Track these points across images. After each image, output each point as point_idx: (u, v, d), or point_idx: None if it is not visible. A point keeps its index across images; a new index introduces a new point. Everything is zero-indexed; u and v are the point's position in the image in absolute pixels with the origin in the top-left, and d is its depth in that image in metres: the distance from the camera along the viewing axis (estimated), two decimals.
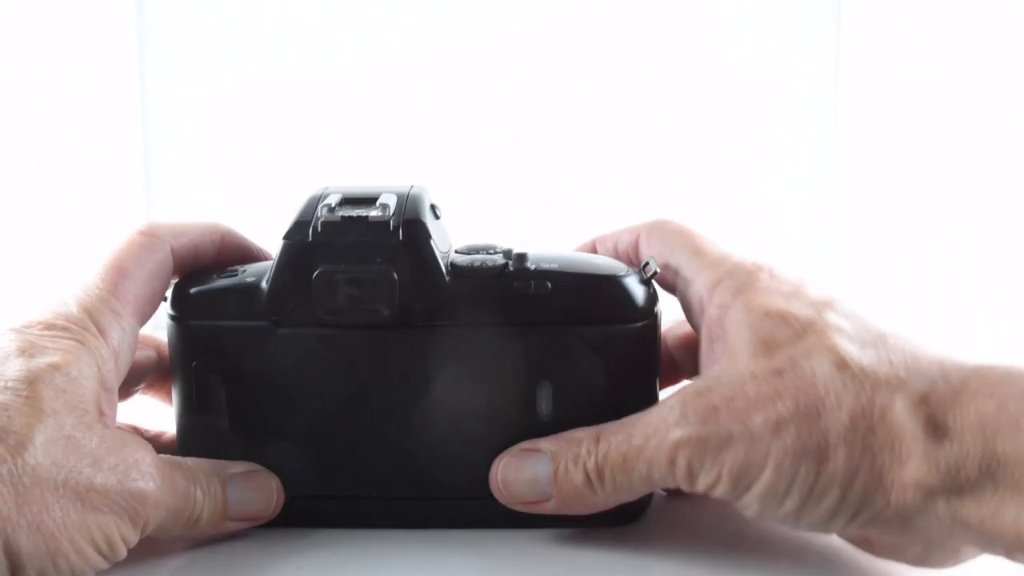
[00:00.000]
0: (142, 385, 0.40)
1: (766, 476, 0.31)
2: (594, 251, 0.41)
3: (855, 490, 0.30)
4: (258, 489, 0.36)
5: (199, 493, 0.34)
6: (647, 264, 0.37)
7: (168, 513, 0.33)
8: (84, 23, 0.73)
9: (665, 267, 0.38)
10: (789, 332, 0.33)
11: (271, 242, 0.37)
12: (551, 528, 0.37)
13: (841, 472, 0.30)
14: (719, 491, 0.32)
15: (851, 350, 0.32)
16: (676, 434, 0.32)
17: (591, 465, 0.34)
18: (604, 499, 0.35)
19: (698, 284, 0.36)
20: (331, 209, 0.35)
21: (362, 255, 0.35)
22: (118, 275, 0.35)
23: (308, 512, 0.38)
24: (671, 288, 0.38)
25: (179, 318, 0.37)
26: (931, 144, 0.79)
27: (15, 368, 0.31)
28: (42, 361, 0.31)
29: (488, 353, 0.36)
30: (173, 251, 0.36)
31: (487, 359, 0.36)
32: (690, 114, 0.81)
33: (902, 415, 0.30)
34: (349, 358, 0.36)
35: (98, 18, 0.75)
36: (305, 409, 0.37)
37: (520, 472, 0.35)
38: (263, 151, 0.82)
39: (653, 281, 0.37)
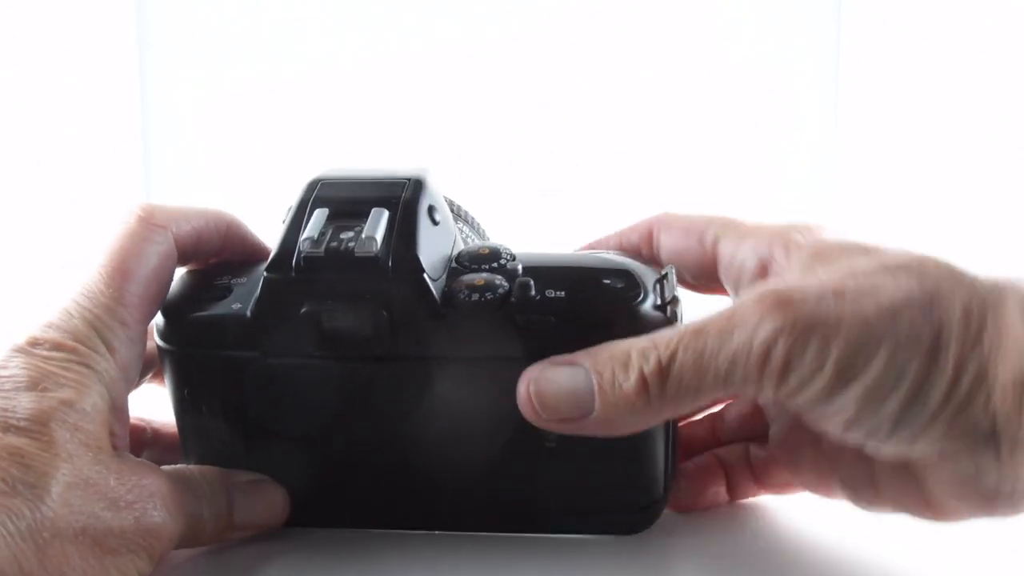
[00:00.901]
0: (150, 375, 0.38)
1: (876, 366, 0.29)
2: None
3: (961, 388, 0.28)
4: (263, 499, 0.35)
5: (205, 510, 0.33)
6: (665, 276, 0.34)
7: (179, 536, 0.33)
8: (84, 23, 0.73)
9: (699, 243, 0.36)
10: (884, 250, 0.31)
11: (272, 237, 0.36)
12: (558, 535, 0.36)
13: (951, 367, 0.28)
14: (812, 389, 0.29)
15: (955, 263, 0.31)
16: (775, 322, 0.29)
17: (650, 368, 0.30)
18: (659, 411, 0.31)
19: (749, 245, 0.34)
20: (314, 242, 0.32)
21: (349, 292, 0.32)
22: (122, 278, 0.33)
23: (310, 514, 0.37)
24: (710, 264, 0.36)
25: (165, 343, 0.35)
26: (931, 144, 0.79)
27: (27, 405, 0.30)
28: (55, 397, 0.30)
29: (490, 384, 0.34)
30: (176, 239, 0.35)
31: (489, 389, 0.34)
32: (690, 113, 0.81)
33: (1014, 312, 0.29)
34: (341, 387, 0.34)
35: (98, 18, 0.75)
36: (301, 430, 0.36)
37: (556, 383, 0.32)
38: (263, 150, 0.82)
39: (672, 303, 0.34)
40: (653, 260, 0.37)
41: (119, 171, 0.79)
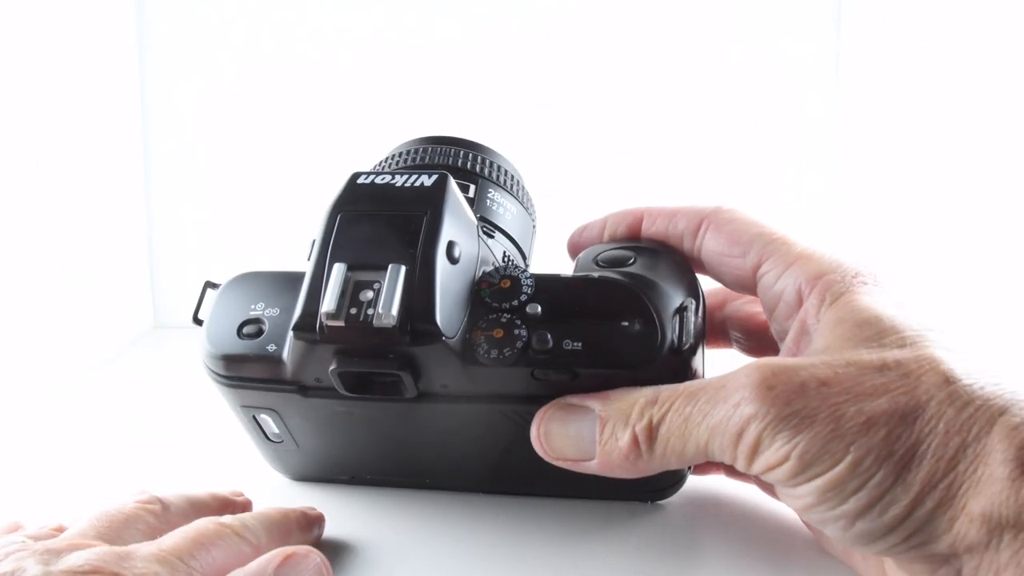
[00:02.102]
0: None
1: (839, 470, 0.29)
2: (640, 222, 0.39)
3: (923, 508, 0.29)
4: None
5: None
6: (684, 309, 0.34)
7: None
8: (84, 23, 0.73)
9: (741, 257, 0.36)
10: (897, 338, 0.31)
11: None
12: (581, 500, 0.40)
13: (918, 485, 0.29)
14: (777, 473, 0.30)
15: (959, 368, 0.30)
16: (752, 406, 0.30)
17: (641, 428, 0.32)
18: (649, 465, 0.33)
19: (791, 275, 0.35)
20: (333, 315, 0.33)
21: (372, 354, 0.34)
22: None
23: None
24: (748, 282, 0.36)
25: (212, 374, 0.38)
26: (932, 145, 0.79)
27: None
28: None
29: (513, 420, 0.36)
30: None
31: (512, 425, 0.36)
32: (691, 112, 0.81)
33: (996, 442, 0.28)
34: (375, 419, 0.37)
35: (98, 18, 0.75)
36: (338, 444, 0.40)
37: (564, 427, 0.34)
38: (263, 151, 0.82)
39: (686, 348, 0.34)
40: (692, 258, 0.38)
41: (119, 171, 0.79)
